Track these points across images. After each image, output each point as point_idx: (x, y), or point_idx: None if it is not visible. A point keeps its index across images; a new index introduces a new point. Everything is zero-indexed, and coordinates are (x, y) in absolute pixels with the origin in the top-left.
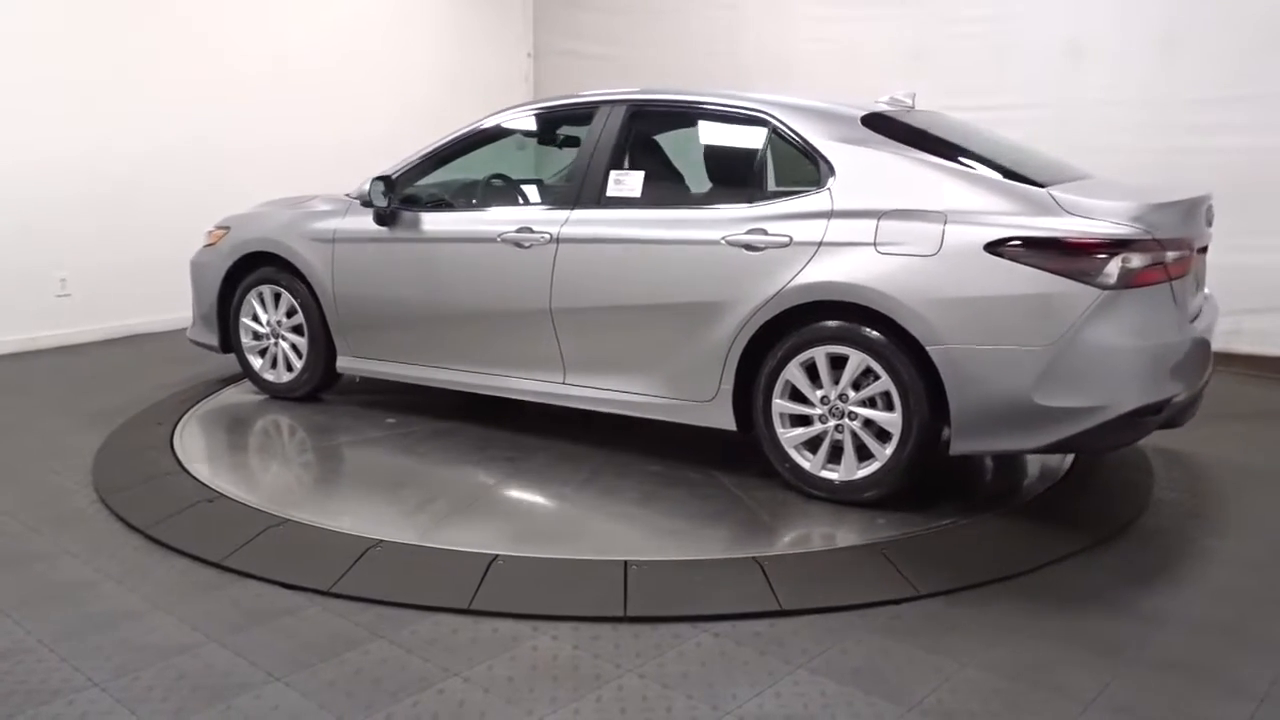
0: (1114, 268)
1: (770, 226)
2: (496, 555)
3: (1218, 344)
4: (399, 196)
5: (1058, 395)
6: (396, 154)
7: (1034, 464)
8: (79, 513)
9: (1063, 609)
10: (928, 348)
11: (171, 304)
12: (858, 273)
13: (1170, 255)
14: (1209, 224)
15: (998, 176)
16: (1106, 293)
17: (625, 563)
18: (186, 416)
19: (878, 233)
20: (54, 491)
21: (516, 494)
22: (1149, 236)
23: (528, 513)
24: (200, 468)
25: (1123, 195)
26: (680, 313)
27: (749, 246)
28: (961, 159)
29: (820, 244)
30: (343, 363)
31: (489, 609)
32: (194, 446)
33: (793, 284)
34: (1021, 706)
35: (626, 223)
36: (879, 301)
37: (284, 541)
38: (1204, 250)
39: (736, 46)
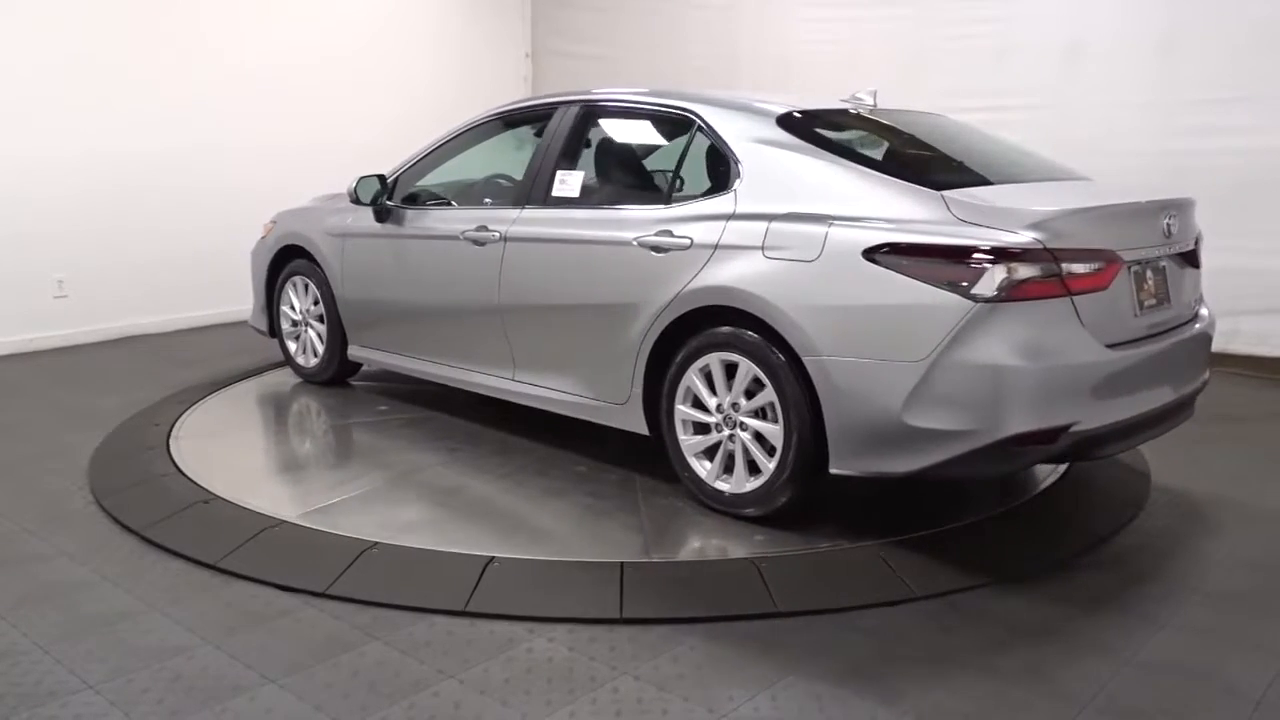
0: (992, 279)
1: (677, 228)
2: (493, 557)
3: (1215, 344)
4: (398, 195)
5: (928, 416)
6: (395, 154)
7: None
8: (75, 514)
9: (1059, 610)
10: (803, 358)
11: (169, 305)
12: (743, 277)
13: (1072, 267)
14: (1170, 233)
15: (893, 178)
16: (981, 306)
17: (621, 565)
18: (183, 418)
19: (767, 236)
20: (50, 493)
21: (430, 481)
22: (1038, 245)
23: (416, 499)
24: (196, 469)
25: (1038, 200)
26: (599, 313)
27: (656, 248)
28: (872, 160)
29: (716, 247)
30: (351, 351)
31: (485, 611)
32: (190, 448)
33: (689, 287)
34: (1017, 708)
35: (560, 222)
36: (760, 307)
37: (280, 543)
38: (1187, 258)
39: (734, 48)
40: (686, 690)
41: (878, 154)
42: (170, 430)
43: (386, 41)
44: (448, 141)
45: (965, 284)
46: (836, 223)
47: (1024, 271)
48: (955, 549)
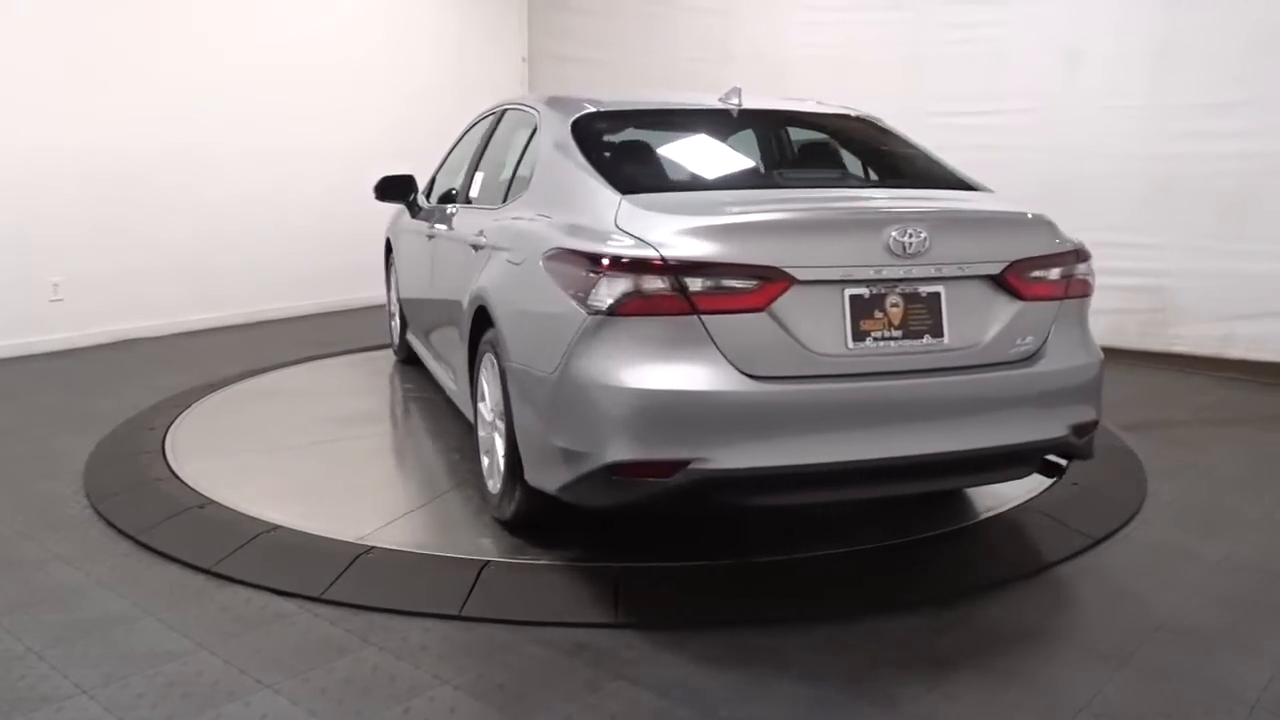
0: (605, 290)
1: (488, 228)
2: (488, 561)
3: (1210, 349)
4: (434, 194)
5: (557, 433)
6: (392, 156)
7: None
8: (70, 518)
9: (1055, 614)
10: (500, 361)
11: (165, 309)
12: (485, 279)
13: (704, 283)
14: (906, 251)
15: (598, 181)
16: (593, 318)
17: (618, 568)
18: (178, 421)
19: (511, 239)
20: (45, 497)
21: (339, 451)
22: (653, 257)
23: (289, 463)
24: (191, 473)
25: (709, 208)
26: (452, 308)
27: (475, 247)
28: (610, 163)
29: (493, 249)
30: (408, 334)
31: (480, 615)
32: (185, 452)
33: (473, 287)
34: (1013, 711)
35: (454, 221)
36: (490, 309)
37: (275, 547)
38: (1000, 284)
39: (729, 51)
40: (684, 693)
41: (638, 157)
42: (165, 434)
43: (386, 45)
44: (456, 144)
45: (583, 294)
46: (544, 226)
47: (641, 284)
48: (949, 554)
